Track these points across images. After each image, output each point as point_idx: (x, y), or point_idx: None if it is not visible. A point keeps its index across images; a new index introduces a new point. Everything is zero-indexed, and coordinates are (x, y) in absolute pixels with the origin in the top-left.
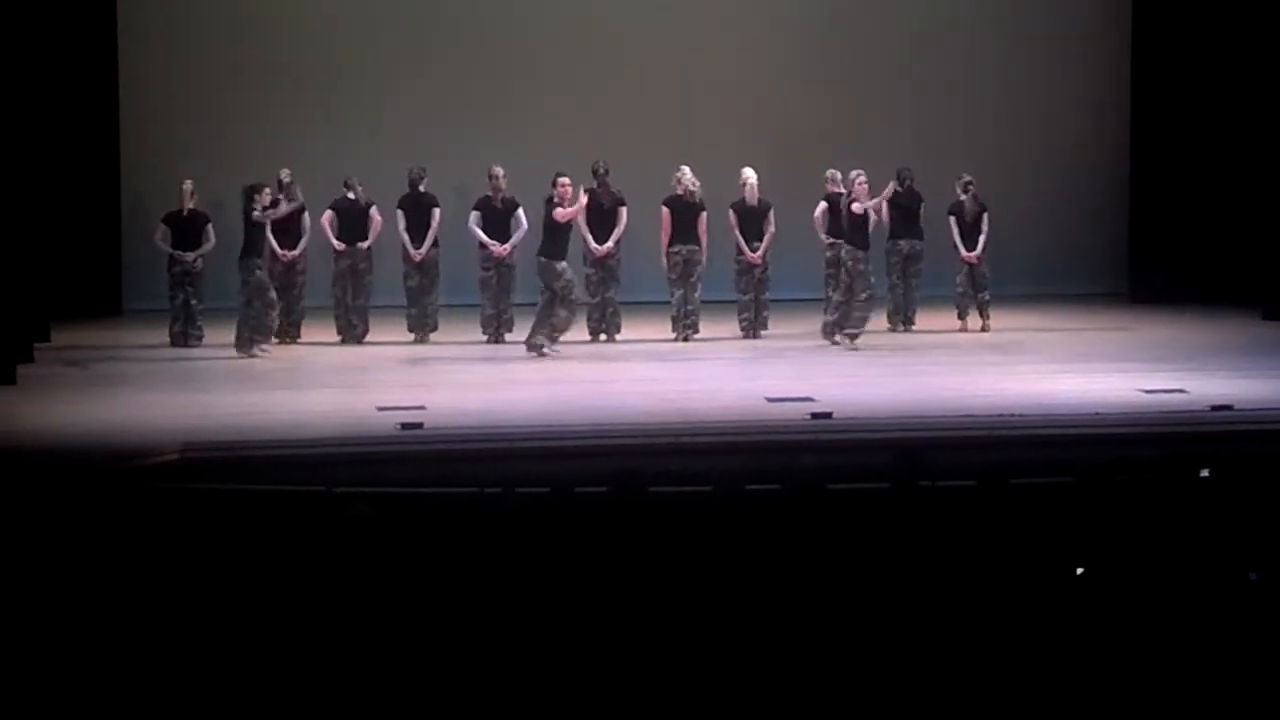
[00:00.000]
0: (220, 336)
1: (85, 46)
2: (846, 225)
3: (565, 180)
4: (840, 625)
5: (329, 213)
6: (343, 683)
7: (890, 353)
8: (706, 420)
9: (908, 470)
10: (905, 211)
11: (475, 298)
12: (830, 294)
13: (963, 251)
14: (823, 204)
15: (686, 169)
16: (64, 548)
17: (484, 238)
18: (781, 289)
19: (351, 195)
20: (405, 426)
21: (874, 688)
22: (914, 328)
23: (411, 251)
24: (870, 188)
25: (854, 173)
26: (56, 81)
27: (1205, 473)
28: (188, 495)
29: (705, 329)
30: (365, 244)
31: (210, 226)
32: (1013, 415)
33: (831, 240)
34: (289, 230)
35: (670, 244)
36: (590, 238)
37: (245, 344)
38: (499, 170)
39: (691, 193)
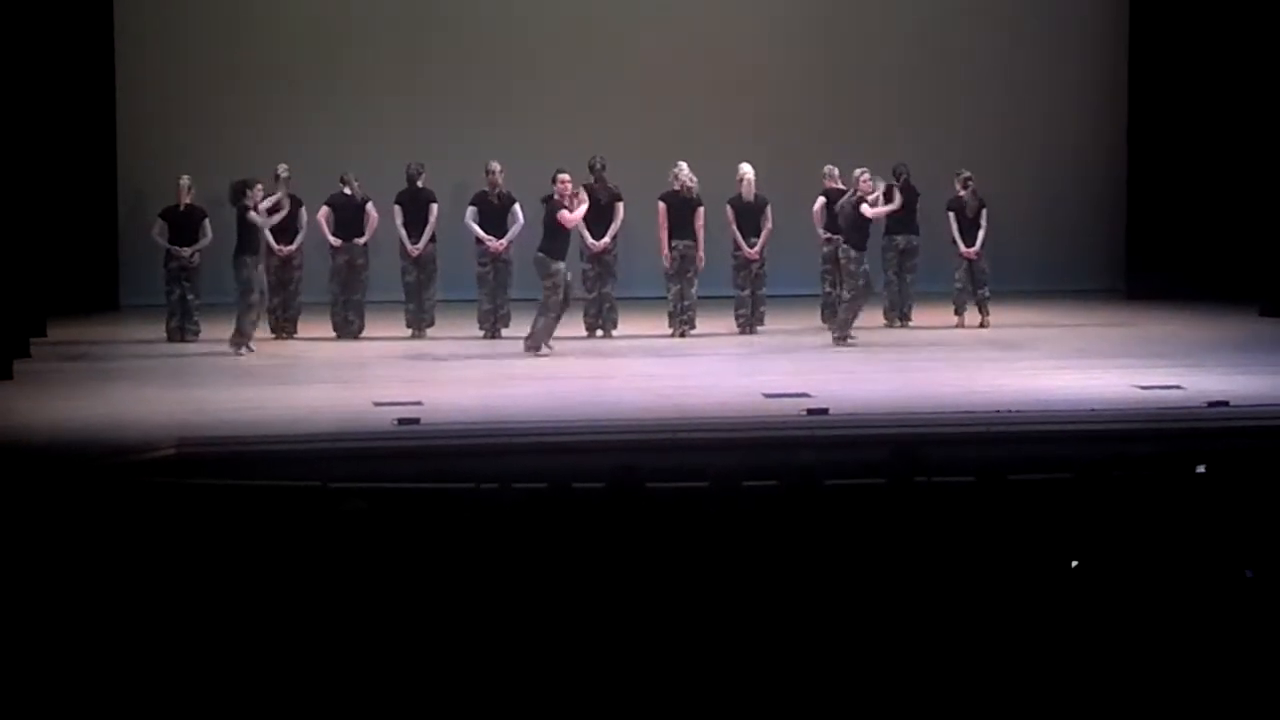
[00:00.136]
0: (217, 332)
1: (82, 44)
2: (845, 223)
3: (565, 177)
4: (837, 621)
5: (325, 208)
6: (338, 678)
7: (887, 348)
8: (703, 416)
9: (905, 466)
10: (901, 207)
11: (472, 293)
12: (827, 289)
13: (962, 247)
14: (821, 199)
15: (684, 165)
16: (60, 543)
17: (480, 233)
18: (779, 285)
19: (348, 191)
20: (402, 422)
21: (871, 683)
22: (911, 323)
23: (409, 247)
24: (871, 186)
25: (858, 170)
26: (53, 78)
27: (1202, 468)
28: (184, 490)
29: (702, 324)
30: (362, 240)
31: (207, 222)
32: (1010, 411)
33: (829, 236)
34: (285, 226)
35: (669, 239)
36: (587, 233)
37: (238, 339)
38: (496, 165)
39: (689, 188)
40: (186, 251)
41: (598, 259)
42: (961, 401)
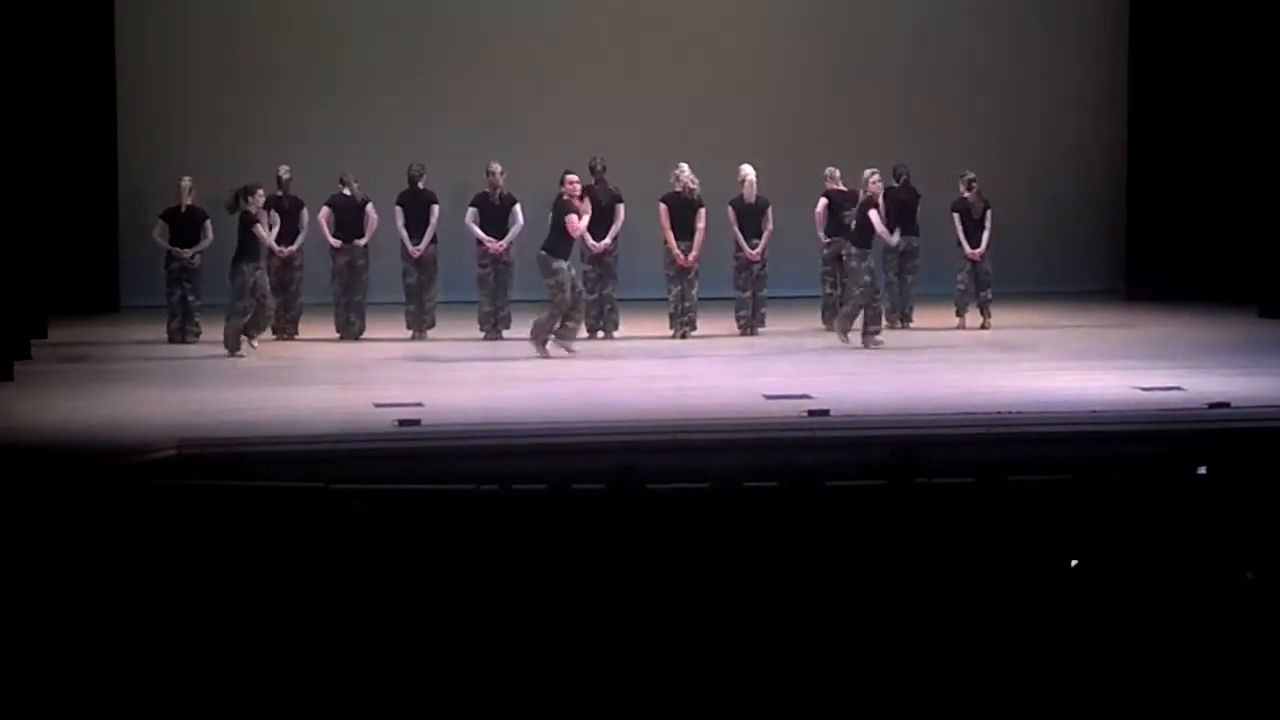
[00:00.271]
0: (218, 333)
1: (82, 44)
2: (852, 223)
3: (574, 177)
4: (838, 622)
5: (326, 209)
6: (339, 679)
7: (888, 350)
8: (704, 417)
9: (905, 467)
10: (902, 208)
11: (473, 294)
12: (828, 291)
13: (966, 249)
14: (823, 201)
15: (685, 166)
16: (61, 544)
17: (480, 234)
18: (779, 286)
19: (348, 192)
20: (402, 423)
21: (871, 684)
22: (911, 325)
23: (410, 248)
24: (881, 187)
25: (868, 171)
26: (54, 79)
27: (1202, 470)
28: (184, 491)
29: (703, 326)
30: (362, 241)
31: (209, 223)
32: (1010, 412)
33: (830, 238)
34: (286, 227)
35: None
36: (588, 234)
37: (233, 343)
38: (496, 166)
39: (690, 190)
40: (187, 253)
41: (599, 260)
42: (962, 403)
